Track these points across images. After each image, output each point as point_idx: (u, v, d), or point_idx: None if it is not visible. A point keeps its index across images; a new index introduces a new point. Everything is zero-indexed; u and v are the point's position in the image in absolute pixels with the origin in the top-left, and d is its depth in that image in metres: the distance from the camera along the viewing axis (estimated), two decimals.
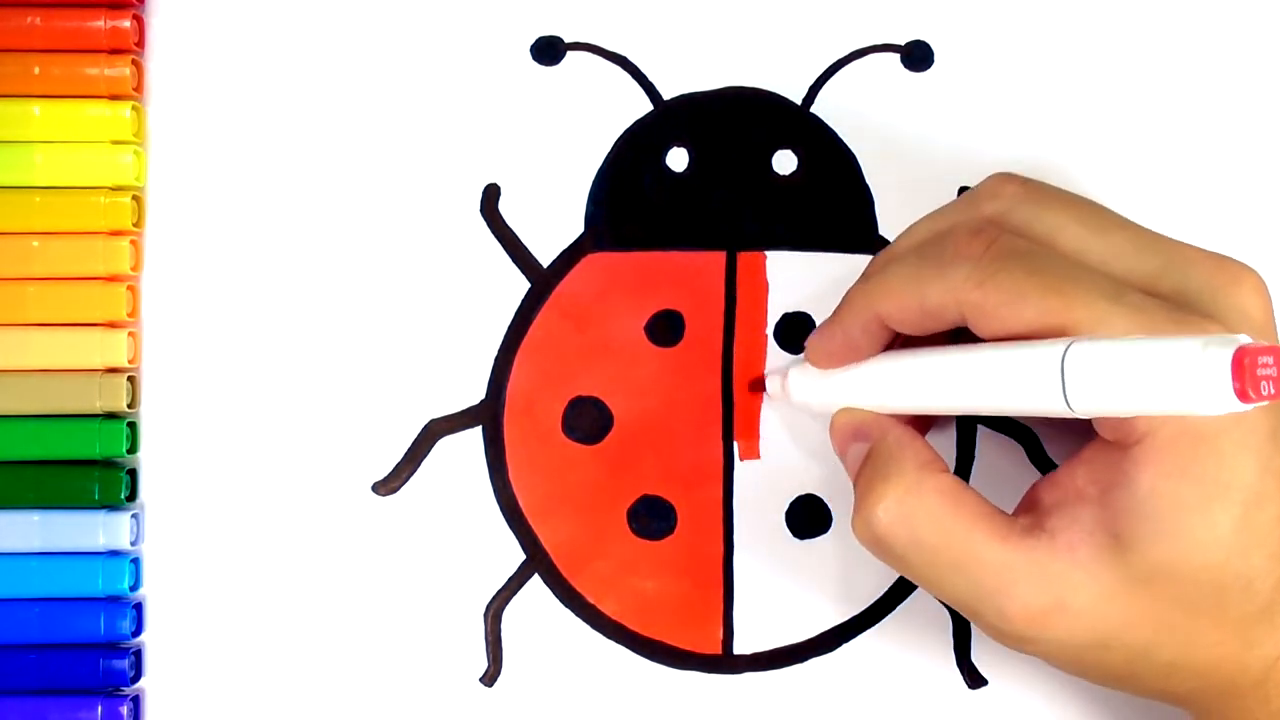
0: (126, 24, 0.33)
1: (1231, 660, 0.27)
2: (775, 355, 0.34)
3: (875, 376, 0.30)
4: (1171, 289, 0.27)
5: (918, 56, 0.35)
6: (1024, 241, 0.28)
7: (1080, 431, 0.28)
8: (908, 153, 0.35)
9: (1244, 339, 0.22)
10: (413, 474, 0.34)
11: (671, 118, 0.35)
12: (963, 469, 0.34)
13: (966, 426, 0.34)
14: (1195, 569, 0.26)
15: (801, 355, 0.33)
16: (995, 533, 0.27)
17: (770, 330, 0.34)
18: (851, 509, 0.34)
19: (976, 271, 0.27)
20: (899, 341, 0.30)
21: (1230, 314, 0.27)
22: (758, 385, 0.34)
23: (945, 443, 0.34)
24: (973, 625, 0.34)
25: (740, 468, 0.34)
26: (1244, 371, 0.22)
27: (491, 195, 0.35)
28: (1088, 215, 0.29)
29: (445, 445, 0.34)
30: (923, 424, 0.32)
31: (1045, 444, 0.34)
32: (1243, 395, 0.22)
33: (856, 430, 0.30)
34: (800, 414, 0.34)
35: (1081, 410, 0.24)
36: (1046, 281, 0.26)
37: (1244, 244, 0.32)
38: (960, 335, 0.29)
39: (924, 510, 0.28)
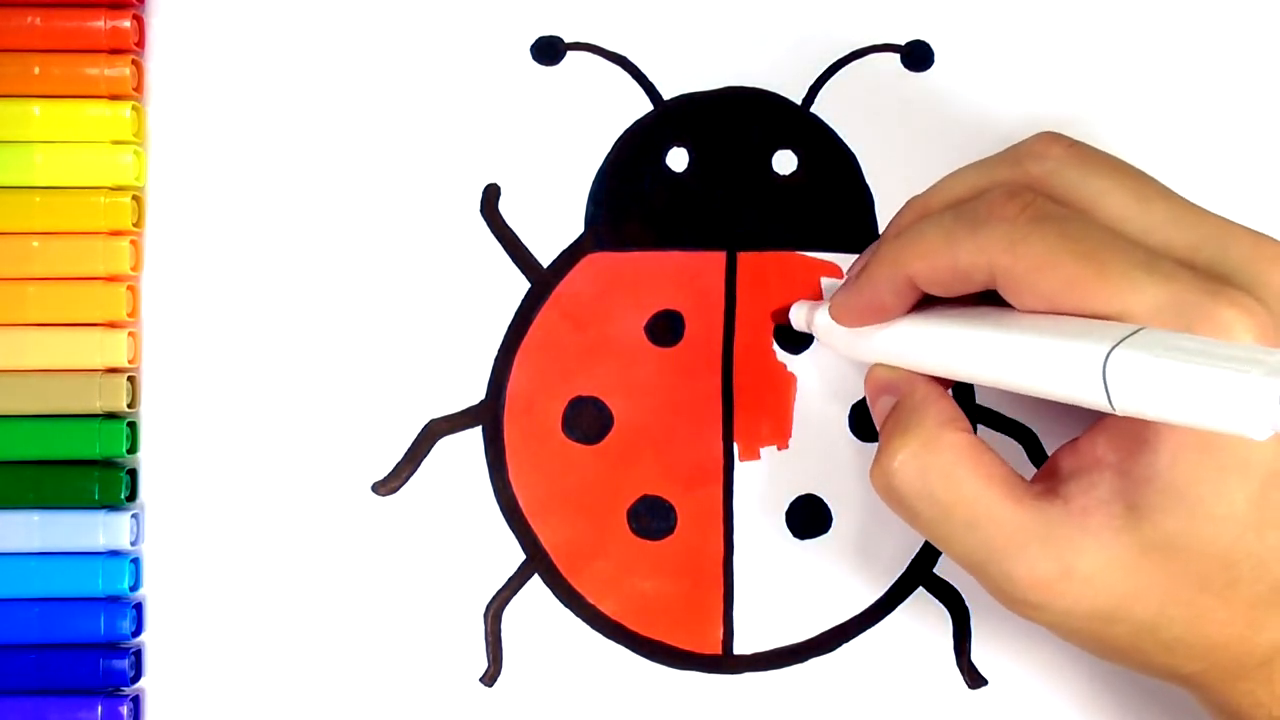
0: (126, 24, 0.33)
1: (1238, 641, 0.27)
2: (775, 355, 0.34)
3: (906, 340, 0.30)
4: (1208, 262, 0.27)
5: (918, 56, 0.35)
6: (1060, 208, 0.28)
7: (1085, 421, 0.28)
8: (908, 153, 0.35)
9: None
10: (413, 474, 0.34)
11: (671, 118, 0.35)
12: None
13: None
14: (1207, 543, 0.26)
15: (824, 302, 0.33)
16: (1009, 494, 0.27)
17: (771, 330, 0.34)
18: (852, 508, 0.34)
19: (1011, 233, 0.27)
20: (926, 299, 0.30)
21: (1265, 291, 0.26)
22: (780, 316, 0.34)
23: None
24: (971, 626, 0.34)
25: (740, 468, 0.34)
26: None
27: (491, 195, 0.35)
28: (1132, 183, 0.28)
29: (445, 445, 0.34)
30: (950, 381, 0.32)
31: (1044, 442, 0.34)
32: None
33: (887, 384, 0.30)
34: (802, 412, 0.34)
35: (1125, 411, 0.24)
36: (1080, 248, 0.26)
37: None
38: (990, 296, 0.28)
39: (939, 465, 0.28)
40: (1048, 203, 0.28)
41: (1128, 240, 0.27)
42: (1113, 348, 0.24)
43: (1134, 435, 0.26)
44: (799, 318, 0.34)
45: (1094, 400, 0.24)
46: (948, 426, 0.28)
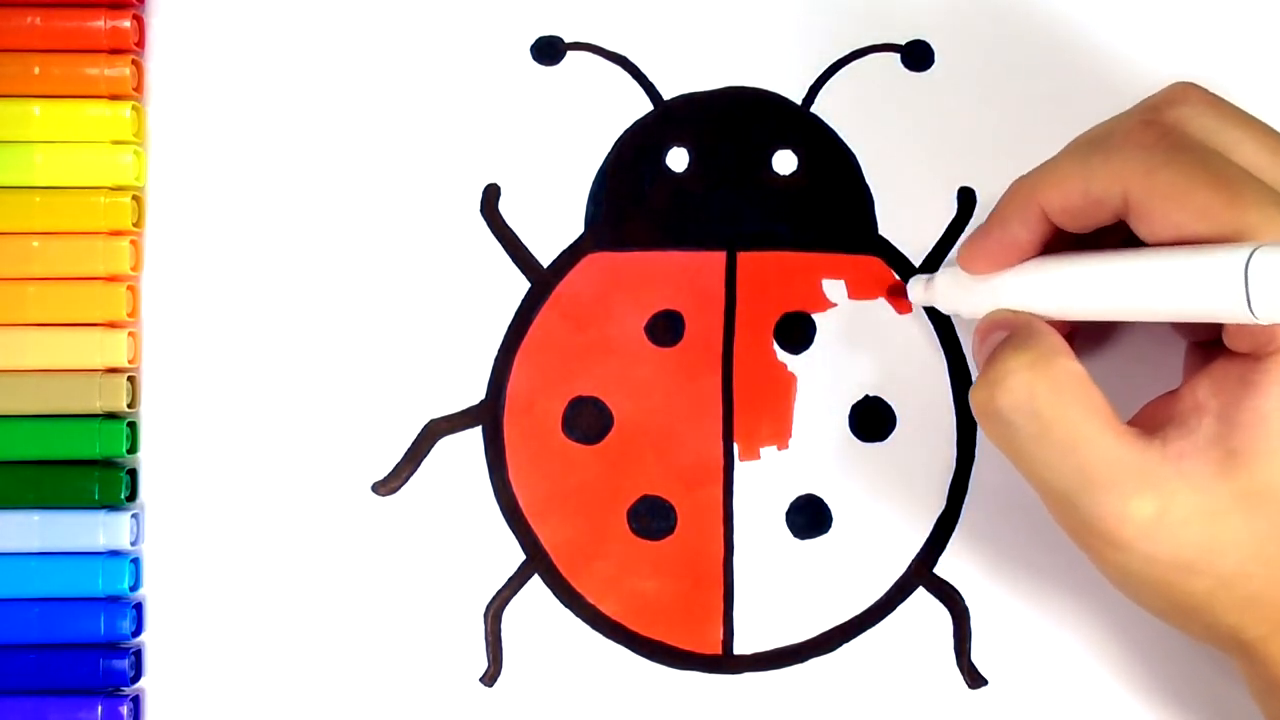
0: (126, 24, 0.33)
1: None
2: (775, 355, 0.34)
3: (1036, 277, 0.29)
4: None
5: (918, 56, 0.35)
6: (1197, 140, 0.27)
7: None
8: (908, 153, 0.35)
9: None
10: (413, 474, 0.34)
11: (671, 118, 0.35)
12: (963, 469, 0.34)
13: (967, 427, 0.34)
14: None
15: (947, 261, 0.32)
16: (1111, 426, 0.27)
17: (771, 330, 0.34)
18: (852, 508, 0.34)
19: (1148, 159, 0.27)
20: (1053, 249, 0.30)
21: None
22: (898, 290, 0.34)
23: (945, 443, 0.34)
24: (971, 626, 0.34)
25: (740, 468, 0.34)
26: None
27: (491, 195, 0.35)
28: (1267, 137, 0.28)
29: (445, 445, 0.34)
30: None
31: None
32: None
33: (1001, 324, 0.30)
34: (802, 412, 0.34)
35: (1266, 317, 0.24)
36: (1216, 178, 0.26)
37: None
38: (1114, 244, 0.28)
39: (1049, 383, 0.27)
40: (1185, 133, 0.27)
41: (1264, 183, 0.26)
42: (1255, 249, 0.24)
43: (1240, 378, 0.26)
44: (916, 292, 0.33)
45: (1233, 309, 0.24)
46: (1062, 353, 0.28)
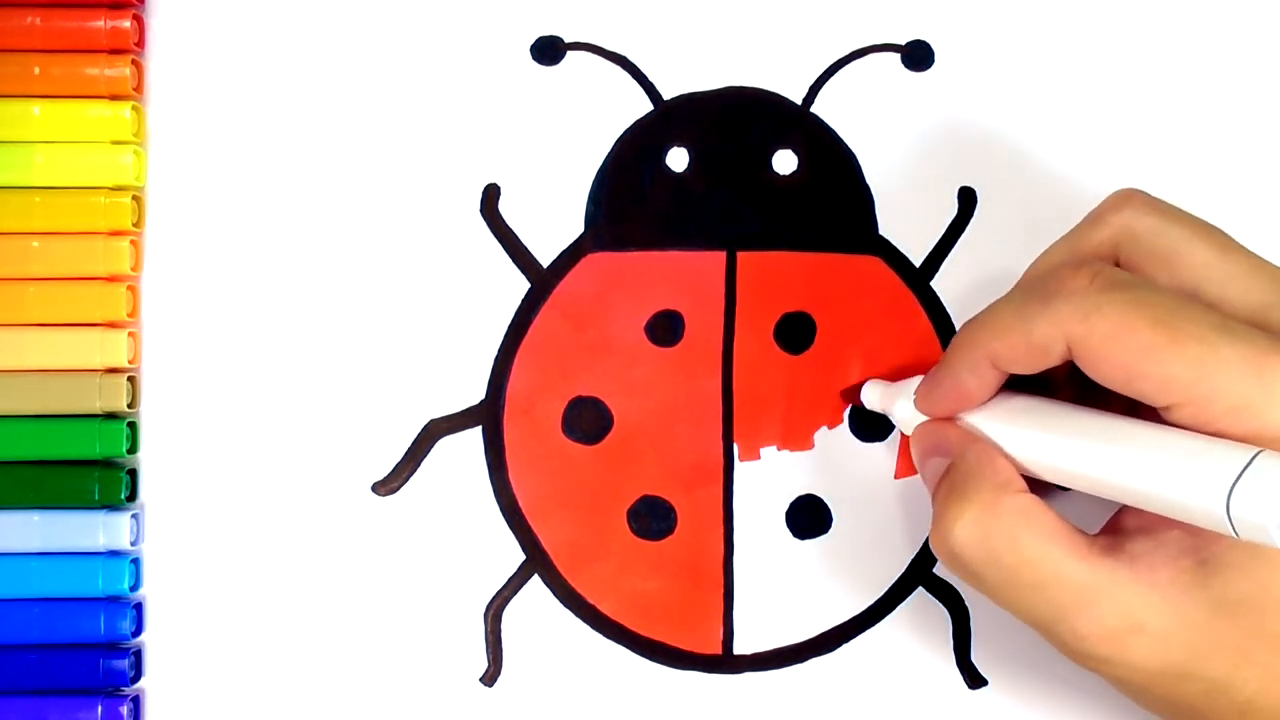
0: (126, 24, 0.33)
1: None
2: (775, 355, 0.34)
3: (1003, 431, 0.29)
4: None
5: (918, 56, 0.35)
6: (1129, 275, 0.28)
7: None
8: (908, 153, 0.35)
9: None
10: (413, 474, 0.34)
11: (671, 118, 0.35)
12: None
13: None
14: None
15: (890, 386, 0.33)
16: (1074, 551, 0.27)
17: (771, 330, 0.34)
18: (852, 508, 0.34)
19: (1083, 304, 0.27)
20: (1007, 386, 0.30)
21: None
22: (850, 395, 0.34)
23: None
24: (971, 626, 0.34)
25: (740, 468, 0.34)
26: None
27: (491, 195, 0.35)
28: (1212, 235, 0.29)
29: (445, 445, 0.34)
30: None
31: None
32: None
33: (937, 444, 0.30)
34: (803, 411, 0.34)
35: (1249, 539, 0.24)
36: (1154, 314, 0.26)
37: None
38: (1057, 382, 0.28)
39: (1001, 529, 0.27)
40: (1116, 271, 0.28)
41: (1199, 305, 0.27)
42: (1234, 484, 0.24)
43: None
44: (872, 398, 0.33)
45: (1215, 527, 0.24)
46: (1006, 489, 0.28)
